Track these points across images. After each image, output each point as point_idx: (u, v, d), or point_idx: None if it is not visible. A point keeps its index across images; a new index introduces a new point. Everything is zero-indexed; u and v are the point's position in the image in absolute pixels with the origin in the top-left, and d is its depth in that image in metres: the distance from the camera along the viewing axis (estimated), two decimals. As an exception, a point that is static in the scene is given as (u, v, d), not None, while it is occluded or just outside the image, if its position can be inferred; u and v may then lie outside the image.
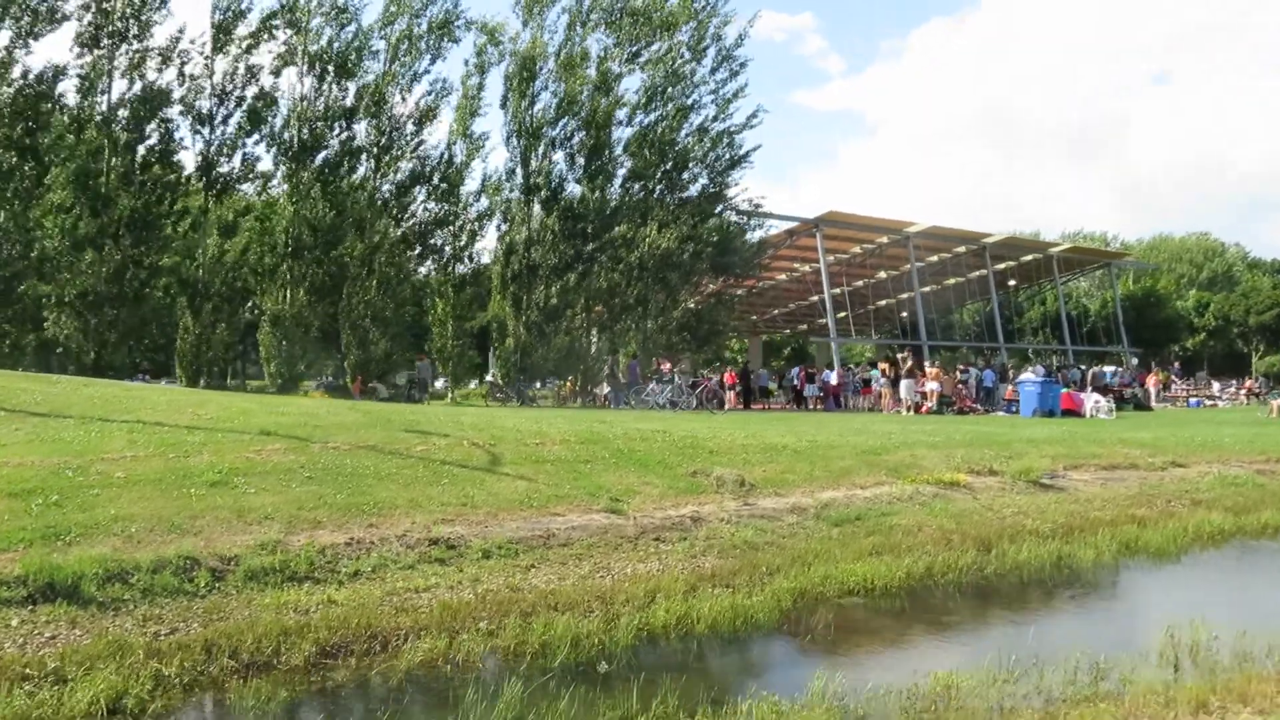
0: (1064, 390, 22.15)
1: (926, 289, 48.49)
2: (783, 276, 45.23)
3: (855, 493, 9.67)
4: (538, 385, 31.69)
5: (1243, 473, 12.58)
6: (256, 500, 7.22)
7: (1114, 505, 10.28)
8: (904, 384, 21.93)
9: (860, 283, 45.94)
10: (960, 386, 24.32)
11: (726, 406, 32.13)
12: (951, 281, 46.97)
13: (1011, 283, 47.69)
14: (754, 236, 34.20)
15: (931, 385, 22.67)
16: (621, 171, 30.24)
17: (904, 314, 47.14)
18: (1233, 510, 10.44)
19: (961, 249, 42.03)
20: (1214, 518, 9.97)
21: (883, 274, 44.36)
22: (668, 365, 24.34)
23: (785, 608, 6.31)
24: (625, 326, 31.55)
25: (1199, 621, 5.84)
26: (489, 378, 31.29)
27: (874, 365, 26.13)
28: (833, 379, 26.78)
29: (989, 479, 10.82)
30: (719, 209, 31.02)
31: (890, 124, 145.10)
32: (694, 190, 31.15)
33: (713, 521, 8.25)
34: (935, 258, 43.13)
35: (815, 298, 46.74)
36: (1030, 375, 22.90)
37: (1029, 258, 44.72)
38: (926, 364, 27.89)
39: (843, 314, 51.34)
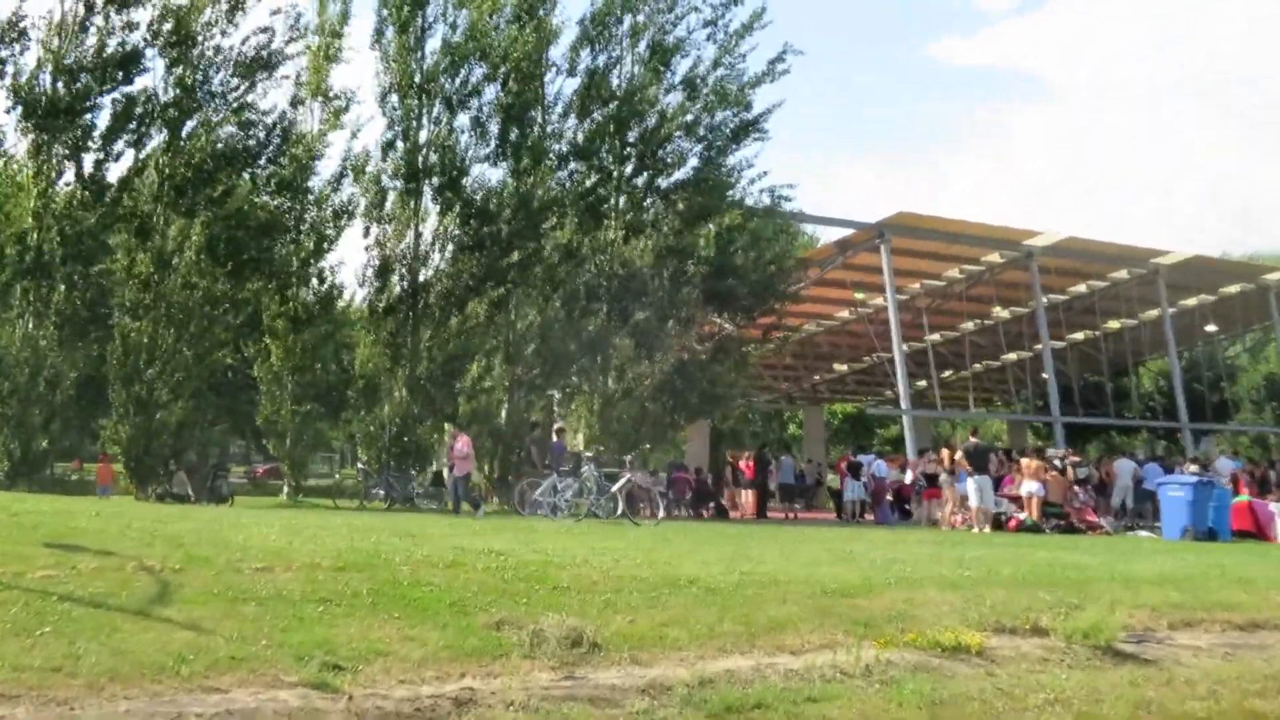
0: (1239, 499, 21.41)
1: (1079, 336, 48.23)
2: (845, 314, 45.07)
3: (775, 662, 9.19)
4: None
5: None
6: None
7: (1227, 691, 9.82)
8: (972, 485, 21.63)
9: (970, 324, 45.71)
10: (1075, 489, 23.68)
11: (738, 513, 31.84)
12: (1114, 325, 46.58)
13: (1210, 328, 47.05)
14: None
15: (1029, 487, 22.10)
16: (560, 146, 30.38)
17: (1044, 375, 46.66)
18: None
19: (1122, 274, 41.65)
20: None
21: (1002, 312, 44.05)
22: (462, 441, 23.79)
23: None
24: (570, 386, 31.20)
25: None
26: (360, 464, 31.02)
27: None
28: (884, 472, 26.26)
29: (1027, 641, 10.42)
30: (719, 204, 30.85)
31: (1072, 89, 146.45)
32: (680, 175, 31.46)
33: (493, 707, 7.82)
34: (1083, 287, 42.84)
35: (906, 345, 46.55)
36: (1190, 472, 22.22)
37: (1234, 288, 44.10)
38: (1055, 452, 27.26)
39: (947, 373, 51.16)
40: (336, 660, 8.01)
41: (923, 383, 46.10)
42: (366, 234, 30.05)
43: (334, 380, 29.58)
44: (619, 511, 19.83)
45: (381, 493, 26.69)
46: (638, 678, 8.52)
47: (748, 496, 32.93)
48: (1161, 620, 11.44)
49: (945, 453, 24.74)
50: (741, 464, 35.28)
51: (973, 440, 23.32)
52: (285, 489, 30.59)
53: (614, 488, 20.11)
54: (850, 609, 10.56)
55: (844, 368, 52.53)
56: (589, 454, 22.57)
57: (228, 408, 45.08)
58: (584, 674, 8.47)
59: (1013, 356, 48.04)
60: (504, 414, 30.40)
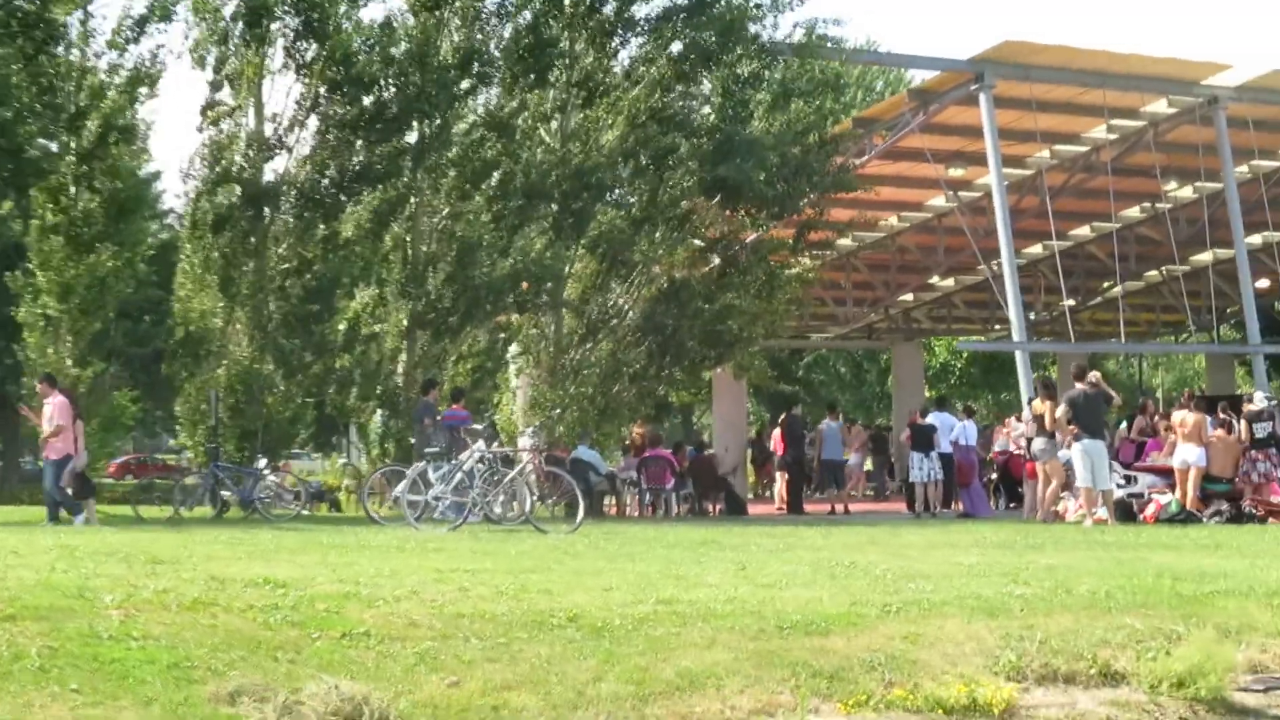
0: None
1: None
2: (940, 201, 45.13)
3: (674, 741, 9.25)
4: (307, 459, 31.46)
5: None
6: None
7: None
8: (1077, 453, 21.97)
9: (1138, 209, 46.27)
10: (1255, 457, 24.00)
11: (779, 505, 32.15)
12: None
13: None
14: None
15: (1184, 454, 22.41)
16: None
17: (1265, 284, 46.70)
18: None
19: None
20: None
21: (1181, 188, 43.86)
22: (56, 405, 22.54)
23: None
24: (503, 327, 31.30)
25: None
26: (179, 455, 31.26)
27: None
28: (969, 439, 27.71)
29: (1089, 694, 10.43)
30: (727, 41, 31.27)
31: None
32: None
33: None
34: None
35: (1038, 246, 46.72)
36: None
37: None
38: (1261, 400, 27.09)
39: (1107, 285, 50.98)
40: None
41: (1071, 301, 46.21)
42: (208, 112, 30.01)
43: (138, 329, 29.48)
44: (524, 513, 20.17)
45: (207, 494, 26.60)
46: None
47: (780, 483, 33.11)
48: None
49: (1040, 405, 24.61)
50: (775, 435, 35.49)
51: (1079, 386, 23.08)
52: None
53: (509, 475, 20.30)
54: (812, 653, 10.47)
55: (948, 283, 52.74)
56: (477, 426, 22.79)
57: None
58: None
59: (1205, 258, 47.73)
60: (400, 371, 30.64)
